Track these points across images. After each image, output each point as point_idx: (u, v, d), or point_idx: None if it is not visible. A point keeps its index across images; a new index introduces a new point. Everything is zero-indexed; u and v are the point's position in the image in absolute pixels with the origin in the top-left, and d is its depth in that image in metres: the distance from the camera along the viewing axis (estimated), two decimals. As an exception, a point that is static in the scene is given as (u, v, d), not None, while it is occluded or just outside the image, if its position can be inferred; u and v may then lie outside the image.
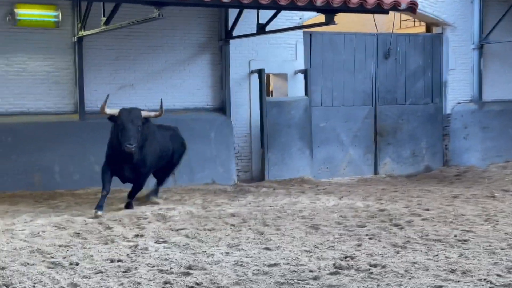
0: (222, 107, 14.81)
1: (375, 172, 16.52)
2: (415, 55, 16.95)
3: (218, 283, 6.53)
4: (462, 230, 9.17)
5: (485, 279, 6.62)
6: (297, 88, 15.57)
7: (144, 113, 10.63)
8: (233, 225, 9.69)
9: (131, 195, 11.10)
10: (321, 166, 15.91)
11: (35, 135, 13.09)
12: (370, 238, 8.70)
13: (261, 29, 13.57)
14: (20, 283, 6.43)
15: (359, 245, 8.27)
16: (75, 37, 13.36)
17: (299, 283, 6.55)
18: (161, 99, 11.12)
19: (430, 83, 17.17)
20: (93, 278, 6.72)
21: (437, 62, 17.23)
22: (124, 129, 10.24)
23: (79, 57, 13.40)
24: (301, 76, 15.50)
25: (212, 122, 14.62)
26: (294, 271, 6.99)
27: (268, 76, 15.91)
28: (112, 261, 7.45)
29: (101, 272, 6.94)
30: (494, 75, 17.65)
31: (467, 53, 17.37)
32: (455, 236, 8.78)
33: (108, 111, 10.49)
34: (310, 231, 9.27)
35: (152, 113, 10.84)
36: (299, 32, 15.50)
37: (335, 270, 7.04)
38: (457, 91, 17.36)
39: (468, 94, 17.51)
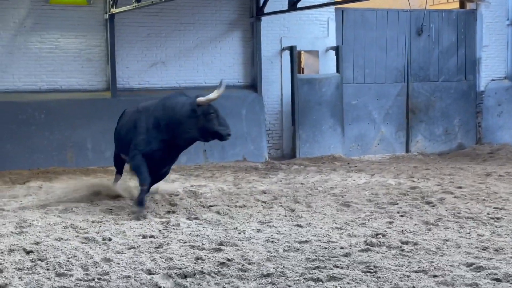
0: (253, 84, 14.81)
1: (407, 149, 16.41)
2: (448, 31, 16.73)
3: (249, 259, 6.56)
4: (495, 208, 9.08)
5: (518, 257, 6.57)
6: (328, 65, 15.48)
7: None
8: (264, 202, 9.72)
9: (152, 185, 9.48)
10: (352, 144, 15.85)
11: (68, 112, 13.23)
12: (401, 216, 8.67)
13: (292, 5, 13.48)
14: (54, 257, 6.54)
15: (391, 223, 8.24)
16: (107, 14, 13.42)
17: (330, 259, 6.55)
18: (221, 80, 9.38)
19: (463, 60, 16.95)
20: (125, 253, 6.80)
21: (470, 39, 16.98)
22: (221, 117, 8.92)
23: (111, 34, 13.47)
24: (332, 53, 15.40)
25: (243, 99, 14.62)
26: (325, 248, 6.99)
27: (299, 53, 15.84)
28: (144, 237, 7.54)
29: (134, 248, 7.03)
30: (529, 52, 17.38)
31: (502, 29, 17.08)
32: (488, 214, 8.70)
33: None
34: (341, 208, 9.26)
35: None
36: (331, 9, 15.38)
37: (366, 247, 7.03)
38: (491, 68, 17.12)
39: (502, 71, 17.24)
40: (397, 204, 9.49)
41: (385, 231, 7.78)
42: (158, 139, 8.99)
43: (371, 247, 7.02)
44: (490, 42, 17.05)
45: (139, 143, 9.09)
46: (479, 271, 6.12)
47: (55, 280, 5.87)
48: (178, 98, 9.15)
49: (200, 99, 8.79)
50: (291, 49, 14.85)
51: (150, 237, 7.52)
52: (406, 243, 7.20)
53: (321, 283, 5.84)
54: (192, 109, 8.78)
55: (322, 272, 6.09)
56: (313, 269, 6.24)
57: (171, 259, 6.55)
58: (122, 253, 6.79)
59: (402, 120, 16.39)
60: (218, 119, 8.89)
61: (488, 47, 17.04)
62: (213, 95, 8.83)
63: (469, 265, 6.33)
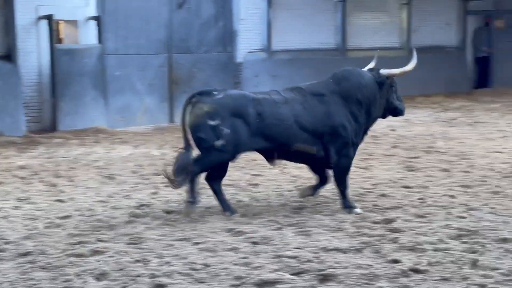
0: (9, 55, 14.02)
1: (171, 120, 16.57)
2: (208, 3, 17.06)
3: (6, 239, 6.28)
4: (253, 175, 9.54)
5: (273, 220, 6.99)
6: (89, 35, 15.11)
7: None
8: (23, 177, 9.32)
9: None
10: (116, 116, 15.65)
11: None
12: (166, 186, 8.77)
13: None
14: None
15: (155, 193, 8.34)
16: None
17: (93, 233, 6.48)
18: (415, 50, 8.02)
19: (222, 33, 17.42)
20: None
21: (228, 12, 17.47)
22: (398, 92, 7.89)
23: None
24: (93, 23, 15.05)
25: (-2, 71, 13.81)
26: (88, 222, 6.90)
27: (58, 23, 15.28)
28: None
29: None
30: (283, 25, 18.29)
31: (257, 3, 17.79)
32: (247, 180, 9.13)
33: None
34: (105, 181, 9.17)
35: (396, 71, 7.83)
36: (90, -23, 14.99)
37: (130, 219, 7.06)
38: (248, 40, 17.78)
39: (259, 44, 18.01)
40: (161, 175, 9.59)
41: (150, 202, 7.87)
42: (363, 126, 7.64)
43: (135, 219, 7.06)
44: (247, 15, 17.69)
45: (353, 133, 7.48)
46: (238, 236, 6.43)
47: None
48: (357, 72, 7.70)
49: (392, 71, 7.66)
50: (49, 18, 14.26)
51: None
52: (170, 212, 7.34)
53: (84, 258, 5.76)
54: (381, 82, 7.59)
55: (85, 247, 6.02)
56: (76, 244, 6.14)
57: None
58: None
59: (165, 91, 16.51)
60: (396, 93, 7.84)
61: (246, 20, 17.69)
62: (408, 67, 7.78)
63: (229, 230, 6.62)
